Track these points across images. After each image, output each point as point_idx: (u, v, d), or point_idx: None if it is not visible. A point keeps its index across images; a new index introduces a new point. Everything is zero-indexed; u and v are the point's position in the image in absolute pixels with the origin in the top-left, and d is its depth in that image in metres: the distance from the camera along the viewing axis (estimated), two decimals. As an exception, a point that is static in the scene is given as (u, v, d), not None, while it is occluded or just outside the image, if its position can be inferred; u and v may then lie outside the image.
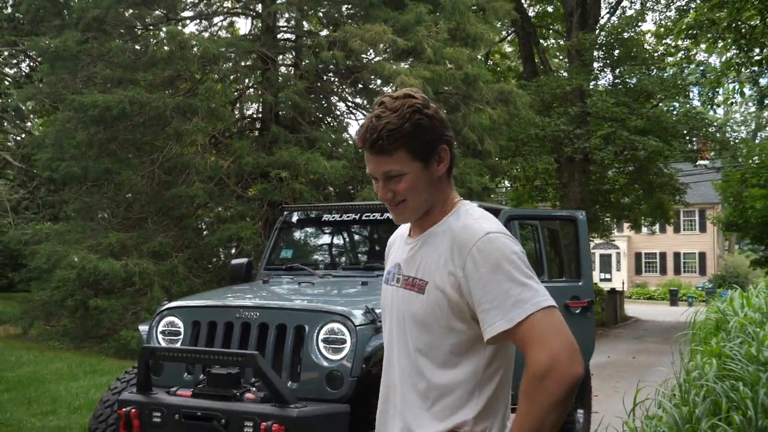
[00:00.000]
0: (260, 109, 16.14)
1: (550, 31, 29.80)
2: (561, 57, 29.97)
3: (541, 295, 1.83)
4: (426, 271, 1.98)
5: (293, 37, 16.22)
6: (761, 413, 3.78)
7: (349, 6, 16.11)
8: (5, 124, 28.15)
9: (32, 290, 14.62)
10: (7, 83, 27.31)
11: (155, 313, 5.19)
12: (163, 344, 4.92)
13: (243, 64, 15.20)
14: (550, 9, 28.88)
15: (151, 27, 15.59)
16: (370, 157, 1.97)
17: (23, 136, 26.42)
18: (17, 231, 16.41)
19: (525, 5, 26.23)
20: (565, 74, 24.71)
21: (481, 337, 1.90)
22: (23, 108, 25.57)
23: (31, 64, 25.47)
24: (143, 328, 5.25)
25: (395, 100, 1.96)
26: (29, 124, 27.63)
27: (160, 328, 5.00)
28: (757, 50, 8.63)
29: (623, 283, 38.11)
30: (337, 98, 16.88)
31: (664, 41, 26.72)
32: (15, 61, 26.91)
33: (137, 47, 14.72)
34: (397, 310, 2.07)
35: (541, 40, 27.38)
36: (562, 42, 27.50)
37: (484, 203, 6.17)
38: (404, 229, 2.23)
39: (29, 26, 18.45)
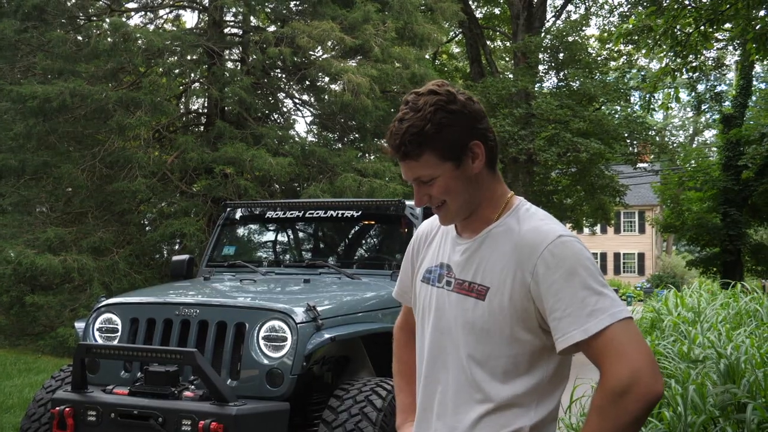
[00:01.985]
0: (206, 104, 15.93)
1: (497, 33, 30.06)
2: (507, 59, 30.28)
3: (619, 305, 1.70)
4: (487, 276, 1.82)
5: (240, 32, 16.05)
6: (691, 409, 3.86)
7: (297, 2, 16.03)
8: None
9: (-35, 286, 14.18)
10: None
11: (92, 310, 5.08)
12: (100, 341, 4.82)
13: (189, 58, 14.96)
14: (497, 11, 29.13)
15: (94, 18, 15.23)
16: (401, 162, 1.86)
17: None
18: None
19: (472, 7, 26.42)
20: (510, 76, 24.94)
21: (547, 348, 1.78)
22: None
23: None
24: (79, 325, 5.14)
25: (419, 98, 1.82)
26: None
27: (97, 325, 4.90)
28: (692, 56, 8.84)
29: (565, 283, 38.54)
30: (284, 95, 16.78)
31: (607, 46, 27.16)
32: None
33: (79, 38, 14.37)
34: (446, 316, 1.89)
35: (488, 42, 27.59)
36: (508, 44, 27.80)
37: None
38: (437, 222, 2.05)
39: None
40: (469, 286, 1.84)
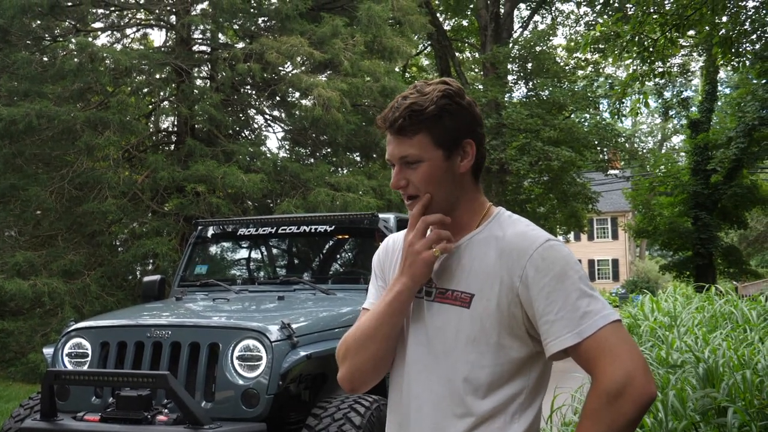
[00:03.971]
0: (175, 123, 15.79)
1: (466, 45, 30.24)
2: (476, 70, 30.43)
3: (609, 307, 1.68)
4: (471, 283, 1.77)
5: (208, 49, 15.96)
6: (671, 415, 3.84)
7: (265, 18, 15.97)
8: None
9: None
10: None
11: (61, 335, 4.96)
12: (70, 367, 4.70)
13: (157, 76, 14.84)
14: (465, 23, 29.32)
15: (60, 38, 15.08)
16: (390, 139, 1.81)
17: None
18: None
19: (440, 19, 26.56)
20: (480, 87, 25.07)
21: (533, 355, 1.75)
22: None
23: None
24: (48, 350, 5.02)
25: (428, 85, 1.81)
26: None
27: (66, 350, 4.78)
28: (659, 62, 8.92)
29: (540, 291, 38.72)
30: (254, 111, 16.71)
31: (574, 55, 27.42)
32: None
33: (45, 59, 14.21)
34: (427, 327, 1.82)
35: (456, 53, 27.73)
36: (477, 55, 27.94)
37: (403, 215, 6.12)
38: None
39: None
40: (452, 294, 1.79)
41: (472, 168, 1.85)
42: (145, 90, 14.94)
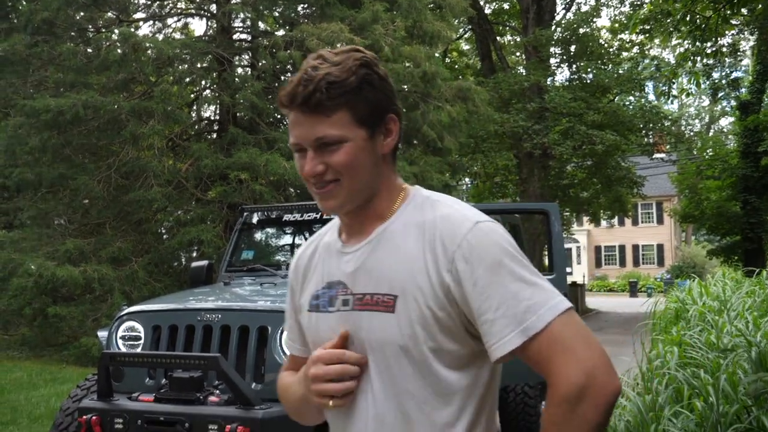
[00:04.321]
0: (218, 111, 15.97)
1: (507, 28, 29.97)
2: (518, 54, 30.18)
3: (556, 295, 1.42)
4: (391, 283, 1.48)
5: (249, 37, 16.10)
6: (722, 399, 3.82)
7: (305, 5, 16.03)
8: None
9: (-12, 299, 14.36)
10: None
11: (114, 319, 5.10)
12: (123, 350, 4.84)
13: (199, 65, 15.02)
14: (506, 6, 29.07)
15: (103, 29, 15.33)
16: (301, 118, 1.47)
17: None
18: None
19: (481, 2, 26.34)
20: (522, 71, 24.89)
21: (478, 354, 1.48)
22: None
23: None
24: (102, 334, 5.17)
25: (337, 54, 1.49)
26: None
27: (120, 333, 4.92)
28: (711, 42, 8.78)
29: (584, 277, 38.46)
30: (295, 98, 16.78)
31: (619, 36, 27.07)
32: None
33: (89, 50, 14.46)
34: (354, 342, 1.53)
35: (498, 37, 27.52)
36: (518, 39, 27.70)
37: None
38: (324, 236, 1.70)
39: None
40: (372, 298, 1.50)
41: (393, 147, 1.58)
42: (188, 79, 15.13)
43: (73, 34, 14.90)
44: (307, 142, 1.48)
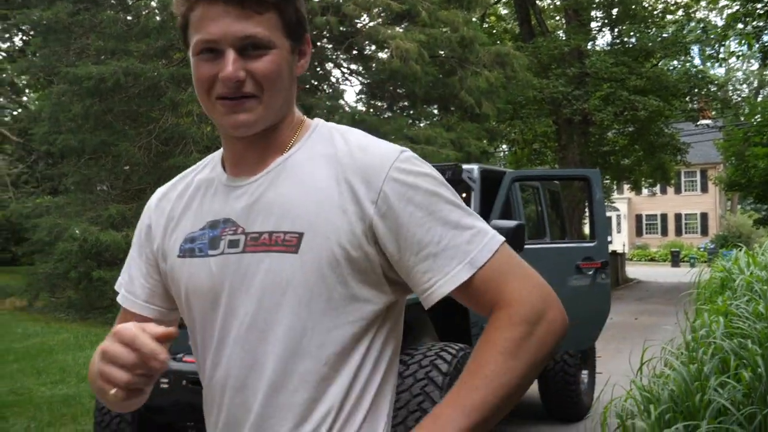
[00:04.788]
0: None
1: (547, -9, 29.51)
2: (558, 18, 29.71)
3: (489, 228, 1.27)
4: (296, 219, 1.25)
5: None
6: (771, 371, 3.79)
7: (343, -30, 15.99)
8: (1, 99, 28.07)
9: (36, 263, 14.81)
10: (0, 57, 27.16)
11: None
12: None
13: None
14: (546, -32, 28.59)
15: (143, -4, 15.47)
16: (223, 11, 1.22)
17: (19, 110, 26.35)
18: (18, 205, 16.49)
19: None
20: (562, 35, 24.51)
21: (391, 305, 1.30)
22: (18, 82, 25.45)
23: (24, 37, 25.28)
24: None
25: None
26: (25, 98, 27.55)
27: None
28: (760, 5, 8.55)
29: (624, 246, 38.04)
30: (331, 64, 16.82)
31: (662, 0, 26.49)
32: (8, 35, 26.72)
33: (129, 18, 14.64)
34: (239, 292, 1.28)
35: (537, 1, 27.11)
36: (558, 2, 27.25)
37: (486, 166, 6.15)
38: (198, 172, 1.46)
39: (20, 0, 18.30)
40: (270, 237, 1.26)
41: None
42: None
43: (113, 1, 15.07)
44: (231, 40, 1.22)
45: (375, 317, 1.28)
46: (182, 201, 1.42)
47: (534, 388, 7.78)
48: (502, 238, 1.26)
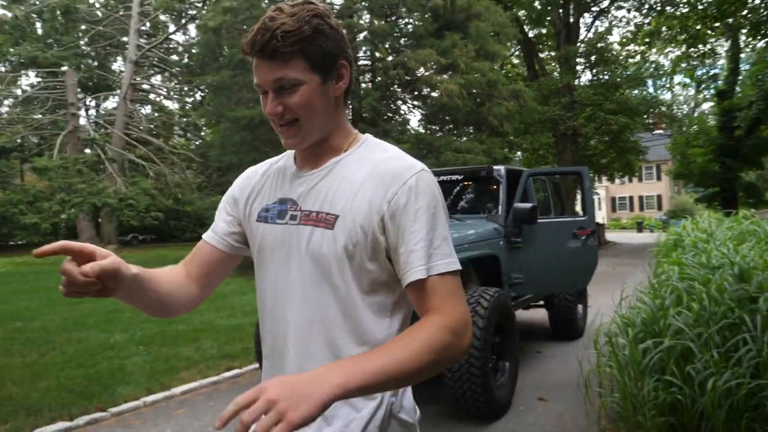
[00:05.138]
0: (350, 114, 16.07)
1: (545, 46, 28.62)
2: (553, 63, 28.85)
3: (455, 256, 1.14)
4: (335, 204, 1.17)
5: (369, 62, 16.04)
6: (712, 302, 3.61)
7: (406, 39, 15.81)
8: (188, 135, 28.97)
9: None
10: (187, 108, 28.00)
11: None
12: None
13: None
14: (544, 30, 27.72)
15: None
16: (261, 64, 1.13)
17: (199, 141, 27.14)
18: (201, 202, 16.97)
19: (526, 29, 25.23)
20: (557, 75, 23.82)
21: (396, 278, 1.16)
22: (199, 123, 26.22)
23: (201, 94, 25.99)
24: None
25: (293, 6, 1.15)
26: (203, 133, 28.37)
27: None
28: (699, 47, 8.16)
29: (603, 218, 36.99)
30: (400, 102, 16.69)
31: (626, 48, 25.48)
32: (192, 93, 27.54)
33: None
34: (293, 253, 1.19)
35: (539, 54, 26.38)
36: (553, 53, 26.46)
37: (510, 166, 5.97)
38: (278, 161, 1.34)
39: (198, 69, 18.76)
40: (317, 216, 1.18)
41: (345, 91, 1.22)
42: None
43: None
44: (267, 85, 1.14)
45: (380, 285, 1.16)
46: (263, 180, 1.32)
47: (544, 317, 7.59)
48: (458, 268, 1.12)
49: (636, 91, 23.91)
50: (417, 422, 1.22)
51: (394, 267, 1.14)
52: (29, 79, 28.33)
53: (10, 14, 27.50)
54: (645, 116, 23.60)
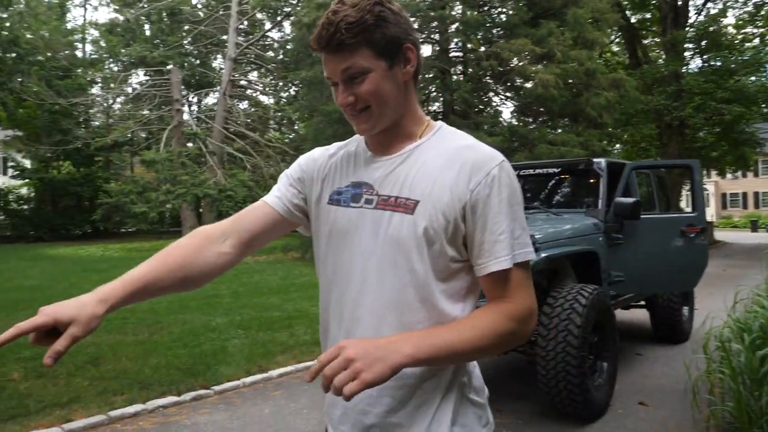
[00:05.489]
0: (441, 105, 16.03)
1: (649, 32, 27.01)
2: (657, 50, 27.16)
3: (531, 246, 1.16)
4: (415, 190, 1.16)
5: (461, 54, 15.89)
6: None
7: (499, 29, 15.51)
8: (283, 128, 30.10)
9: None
10: (282, 102, 29.11)
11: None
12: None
13: (427, 76, 15.12)
14: (648, 15, 26.16)
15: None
16: (328, 58, 1.16)
17: (293, 135, 28.14)
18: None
19: (629, 14, 23.92)
20: (662, 62, 22.40)
21: (465, 267, 1.17)
22: (293, 117, 27.18)
23: (295, 89, 26.90)
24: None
25: None
26: (296, 126, 29.32)
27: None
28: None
29: (712, 216, 34.43)
30: (492, 93, 16.43)
31: (742, 31, 23.45)
32: (286, 88, 28.57)
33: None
34: (369, 236, 1.19)
35: (643, 40, 24.93)
36: (658, 39, 24.89)
37: (611, 159, 5.73)
38: (349, 146, 1.33)
39: (293, 65, 19.44)
40: (396, 201, 1.18)
41: (413, 74, 1.22)
42: (421, 85, 15.28)
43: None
44: (337, 77, 1.16)
45: (456, 272, 1.16)
46: (333, 161, 1.31)
47: (645, 317, 7.24)
48: (535, 257, 1.16)
49: (753, 78, 22.03)
50: (486, 401, 1.24)
51: (468, 254, 1.16)
52: (138, 77, 30.58)
53: (122, 18, 29.83)
54: (763, 105, 21.70)
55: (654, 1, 23.59)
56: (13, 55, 26.71)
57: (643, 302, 6.41)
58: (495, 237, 1.12)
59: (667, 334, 6.36)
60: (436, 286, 1.15)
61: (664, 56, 23.03)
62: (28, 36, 27.16)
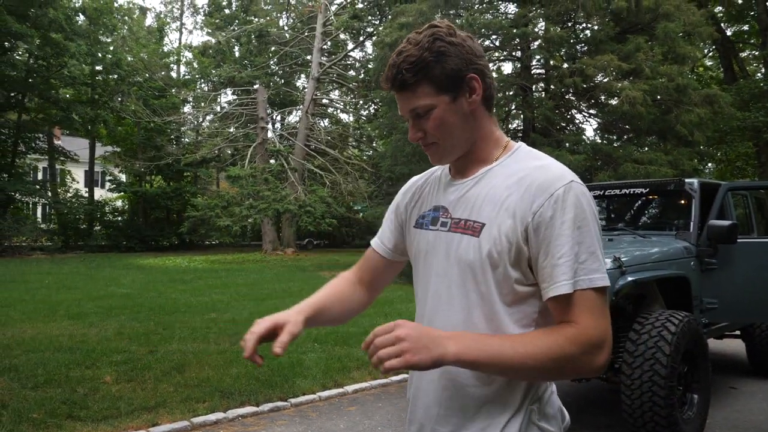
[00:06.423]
0: (521, 123, 15.84)
1: (747, 45, 25.44)
2: (756, 64, 25.50)
3: (604, 271, 1.13)
4: (482, 213, 1.19)
5: (543, 71, 15.67)
6: None
7: (583, 44, 15.17)
8: (362, 146, 30.70)
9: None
10: (362, 120, 29.73)
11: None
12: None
13: (508, 93, 15.00)
14: (746, 27, 24.67)
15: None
16: (398, 96, 1.23)
17: (372, 152, 28.63)
18: (371, 211, 17.88)
19: (724, 27, 22.67)
20: (760, 76, 20.99)
21: (534, 291, 1.16)
22: (372, 135, 27.67)
23: (375, 107, 27.41)
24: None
25: (419, 34, 1.22)
26: (375, 144, 29.81)
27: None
28: None
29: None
30: (575, 111, 16.04)
31: None
32: (366, 106, 29.18)
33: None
34: (443, 258, 1.24)
35: (740, 54, 23.51)
36: (756, 52, 23.40)
37: (704, 179, 5.47)
38: (436, 171, 1.40)
39: (374, 83, 19.85)
40: (465, 224, 1.21)
41: (482, 101, 1.23)
42: (501, 102, 15.18)
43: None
44: (406, 115, 1.24)
45: (524, 296, 1.16)
46: (423, 188, 1.40)
47: (741, 348, 6.78)
48: (605, 285, 1.11)
49: None
50: (560, 430, 1.22)
51: (535, 277, 1.15)
52: (227, 96, 32.25)
53: (214, 40, 31.64)
54: None
55: (752, 13, 22.27)
56: (115, 76, 28.93)
57: (738, 332, 6.02)
58: (554, 261, 1.10)
59: (765, 367, 5.94)
60: (503, 310, 1.16)
61: (763, 70, 21.64)
62: (129, 59, 29.35)
